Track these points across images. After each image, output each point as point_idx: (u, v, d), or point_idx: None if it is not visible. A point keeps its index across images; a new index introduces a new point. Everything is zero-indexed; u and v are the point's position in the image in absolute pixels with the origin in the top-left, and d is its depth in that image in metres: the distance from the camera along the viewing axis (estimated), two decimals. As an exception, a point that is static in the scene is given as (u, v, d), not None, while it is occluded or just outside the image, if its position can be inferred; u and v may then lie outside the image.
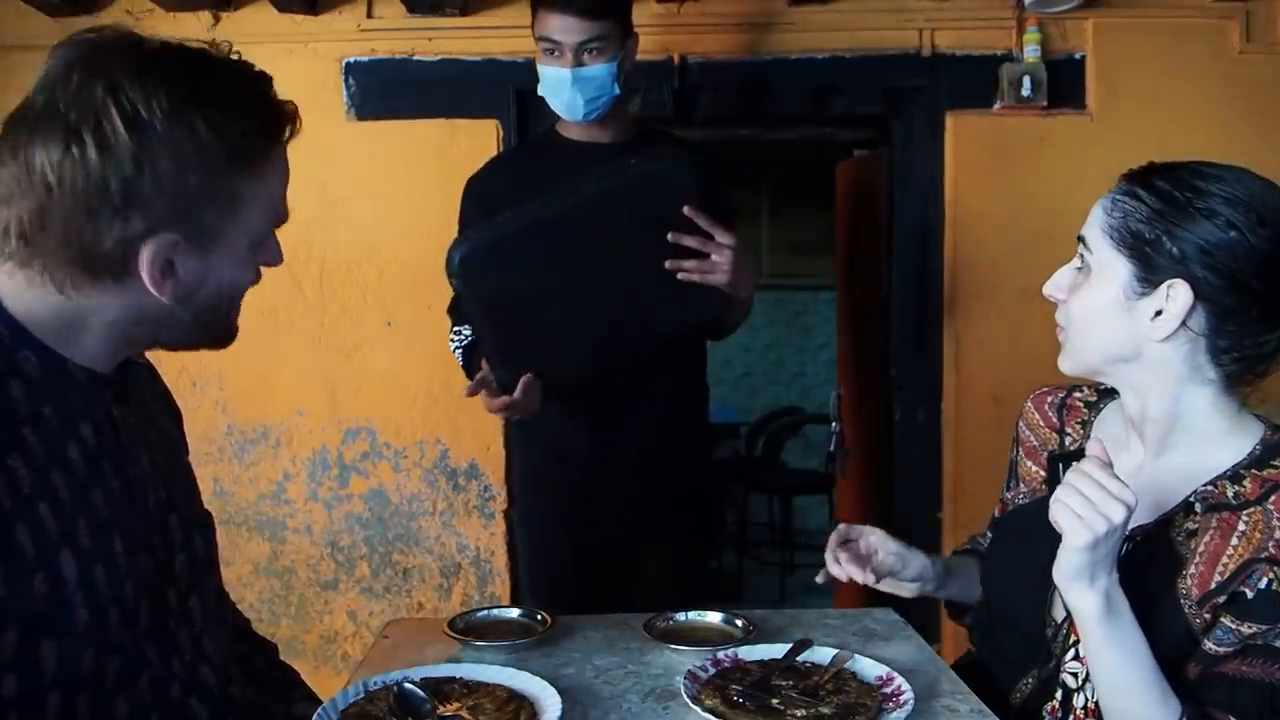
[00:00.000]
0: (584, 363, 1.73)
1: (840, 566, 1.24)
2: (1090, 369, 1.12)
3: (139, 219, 0.83)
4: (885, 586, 1.29)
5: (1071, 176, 2.35)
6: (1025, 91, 2.37)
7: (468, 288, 1.68)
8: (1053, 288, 1.13)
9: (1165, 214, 1.02)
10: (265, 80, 0.92)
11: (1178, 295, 1.01)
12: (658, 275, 1.67)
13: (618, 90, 1.83)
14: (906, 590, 1.28)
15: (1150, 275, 1.03)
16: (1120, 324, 1.06)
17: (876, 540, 1.27)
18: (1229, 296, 1.01)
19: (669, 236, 1.65)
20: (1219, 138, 2.36)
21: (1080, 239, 1.10)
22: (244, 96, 0.89)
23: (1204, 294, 1.01)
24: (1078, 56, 2.43)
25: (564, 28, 1.76)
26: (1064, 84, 2.41)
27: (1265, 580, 0.95)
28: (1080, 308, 1.09)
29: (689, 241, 1.66)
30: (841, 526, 1.28)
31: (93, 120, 0.80)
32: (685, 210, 1.65)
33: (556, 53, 1.79)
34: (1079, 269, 1.10)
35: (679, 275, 1.66)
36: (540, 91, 1.85)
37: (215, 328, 0.96)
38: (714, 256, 1.66)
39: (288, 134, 0.93)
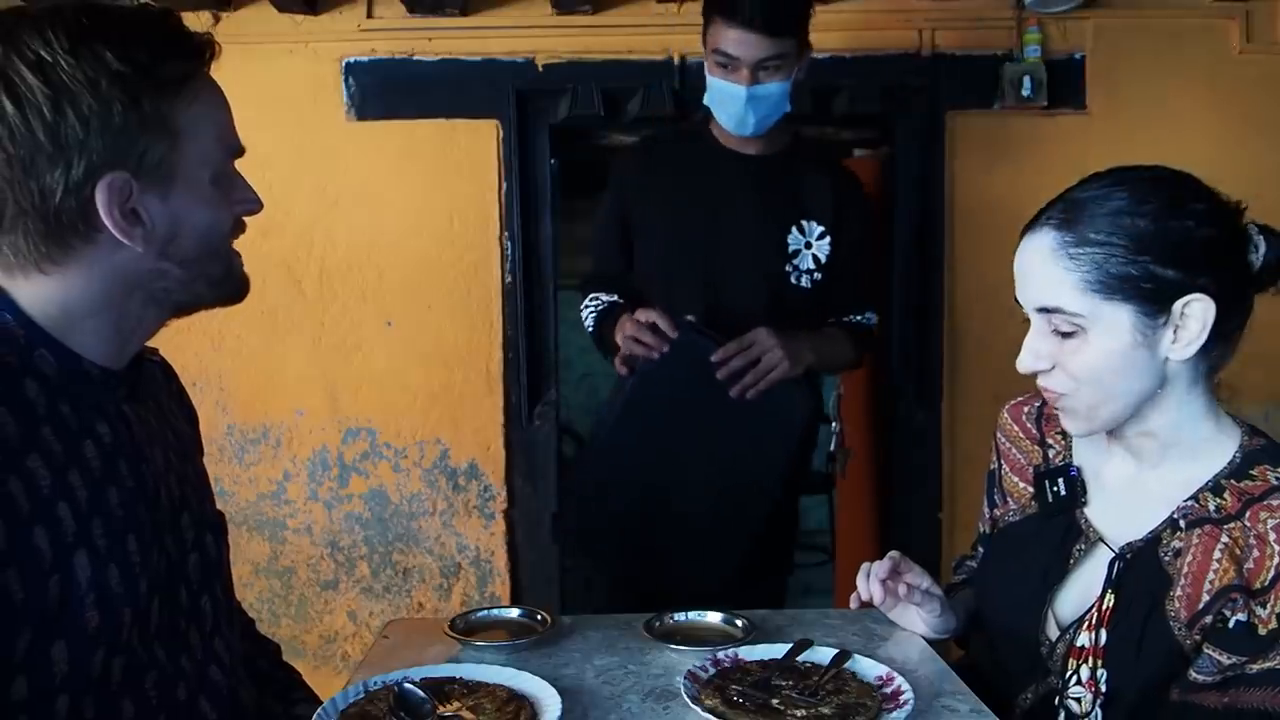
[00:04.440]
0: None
1: (867, 583, 1.24)
2: (1115, 420, 1.07)
3: (78, 162, 0.82)
4: (899, 618, 1.28)
5: (1071, 176, 2.33)
6: (1025, 91, 2.37)
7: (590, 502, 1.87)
8: (1034, 361, 1.06)
9: (1135, 242, 0.99)
10: (169, 12, 0.90)
11: (1196, 311, 0.99)
12: (739, 421, 1.71)
13: (789, 107, 1.81)
14: (922, 628, 1.27)
15: (1157, 306, 1.00)
16: (1143, 364, 1.02)
17: (922, 582, 1.25)
18: (1229, 286, 1.00)
19: (719, 375, 1.69)
20: (1219, 137, 2.36)
21: (1049, 309, 1.03)
22: (146, 22, 0.87)
23: (1217, 296, 0.99)
24: (1078, 56, 2.43)
25: (743, 43, 1.71)
26: (1064, 84, 2.41)
27: (1242, 614, 0.96)
28: (1087, 368, 1.03)
29: (735, 364, 1.69)
30: (896, 554, 1.25)
31: (1, 79, 0.81)
32: (714, 358, 1.69)
33: (731, 68, 1.74)
34: (1065, 334, 1.03)
35: (748, 395, 1.69)
36: (707, 101, 1.83)
37: (217, 279, 0.95)
38: (763, 357, 1.69)
39: (207, 56, 0.91)
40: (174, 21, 0.89)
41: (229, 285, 0.97)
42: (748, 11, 1.68)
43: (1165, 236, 0.99)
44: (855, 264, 1.93)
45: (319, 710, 0.99)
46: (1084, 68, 2.42)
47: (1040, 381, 1.07)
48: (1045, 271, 1.03)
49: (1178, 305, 0.99)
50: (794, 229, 1.87)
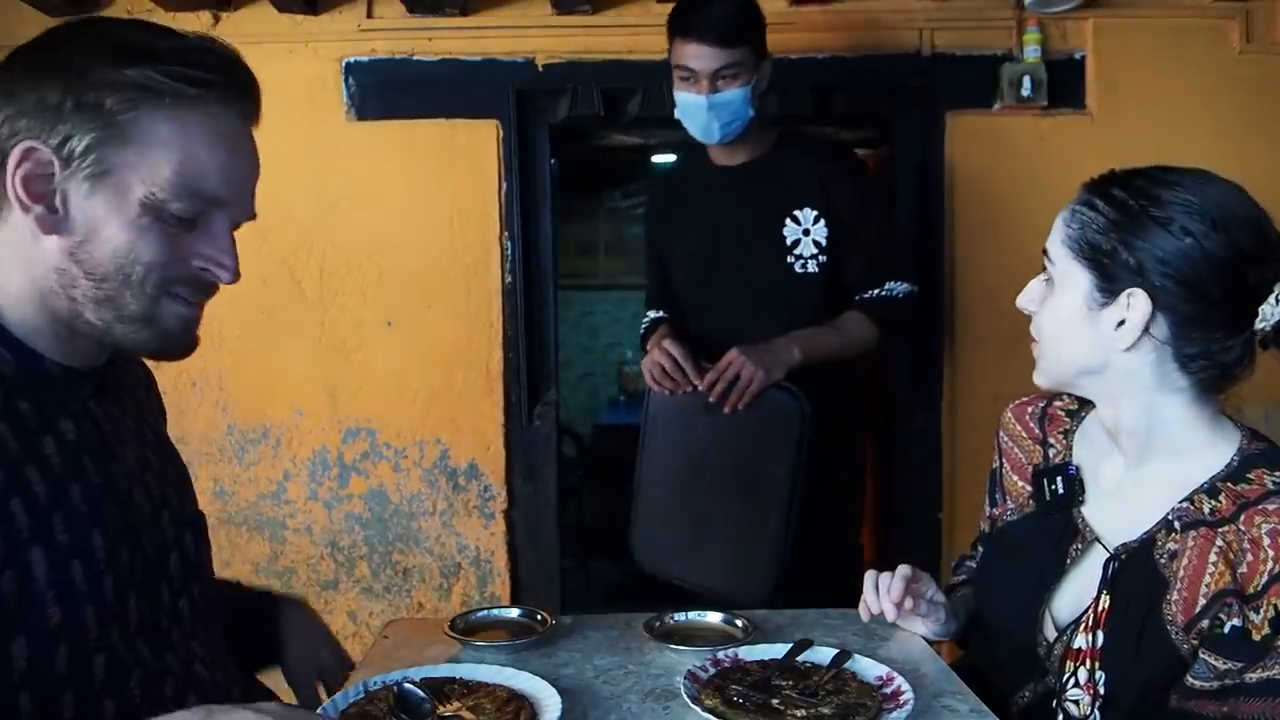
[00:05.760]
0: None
1: (878, 598, 1.23)
2: (1061, 382, 1.13)
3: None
4: (903, 622, 1.27)
5: (1071, 176, 2.32)
6: (1025, 91, 2.37)
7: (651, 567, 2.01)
8: (1025, 299, 1.13)
9: (1121, 224, 1.02)
10: (229, 53, 0.90)
11: (1136, 304, 1.01)
12: (743, 438, 1.85)
13: (751, 113, 1.92)
14: (923, 630, 1.27)
15: (1109, 285, 1.03)
16: (1086, 335, 1.06)
17: (928, 591, 1.25)
18: (1188, 304, 1.00)
19: (710, 399, 1.82)
20: (1219, 138, 2.36)
21: (1044, 251, 1.10)
22: (194, 44, 0.88)
23: (1162, 302, 1.01)
24: (1078, 56, 2.43)
25: (699, 55, 1.86)
26: (1064, 84, 2.40)
27: (1238, 619, 0.96)
28: (1048, 319, 1.10)
29: (719, 388, 1.82)
30: (907, 570, 1.24)
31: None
32: (700, 388, 1.84)
33: (692, 80, 1.89)
34: (1046, 281, 1.11)
35: (740, 406, 1.82)
36: (677, 115, 1.96)
37: (130, 316, 0.87)
38: (740, 375, 1.81)
39: (216, 80, 0.87)
40: (225, 54, 0.89)
41: (148, 334, 0.88)
42: (701, 28, 1.84)
43: (1150, 228, 1.01)
44: (860, 236, 1.98)
45: (319, 710, 0.99)
46: (1084, 68, 2.42)
47: (1031, 326, 1.14)
48: (1059, 220, 1.09)
49: (1124, 294, 1.02)
50: (788, 221, 1.98)
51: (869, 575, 1.26)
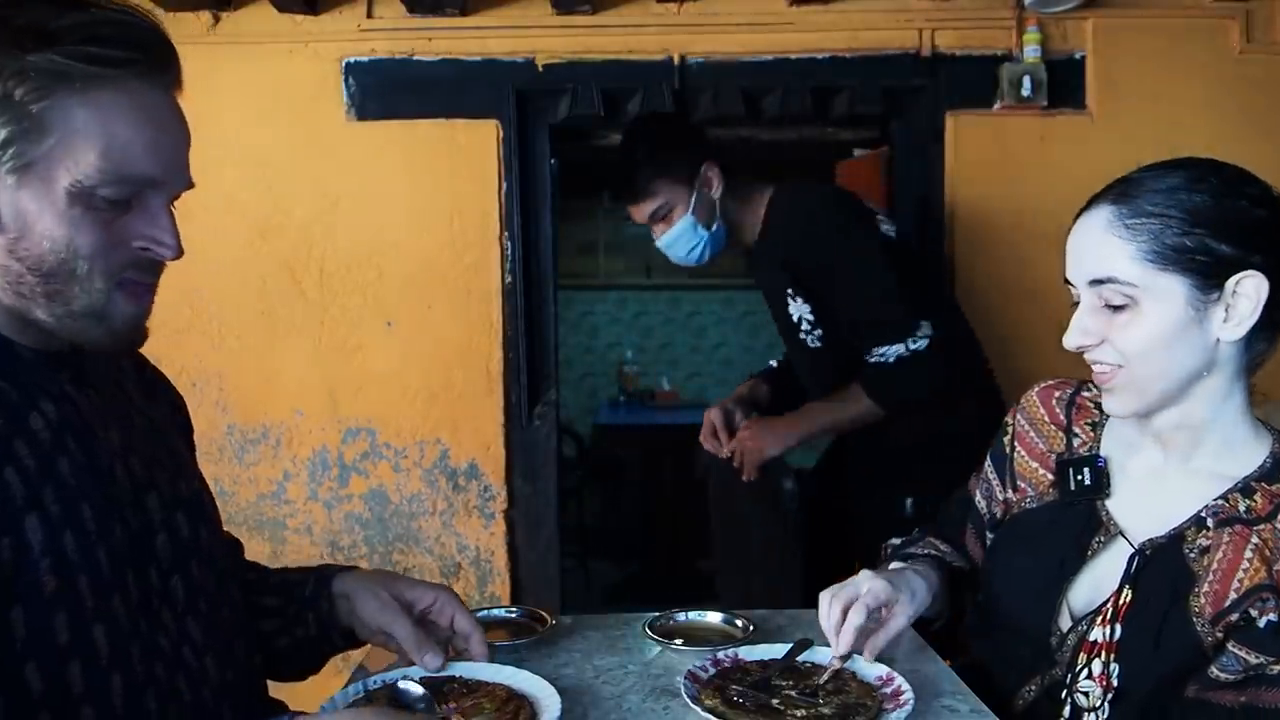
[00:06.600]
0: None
1: (839, 637, 1.10)
2: (1164, 398, 1.06)
3: None
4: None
5: (1071, 176, 2.35)
6: (1025, 91, 2.37)
7: None
8: (1083, 337, 1.06)
9: (1193, 218, 1.00)
10: (138, 18, 0.84)
11: (1248, 289, 0.99)
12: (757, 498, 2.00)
13: (707, 232, 1.95)
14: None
15: (1210, 280, 1.00)
16: (1193, 340, 1.02)
17: (897, 619, 1.14)
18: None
19: (735, 464, 1.93)
20: (1219, 138, 2.35)
21: (1101, 280, 1.03)
22: (102, 14, 0.82)
23: (1271, 276, 0.99)
24: (1078, 56, 2.43)
25: (631, 213, 1.95)
26: (1064, 84, 2.41)
27: (1273, 614, 0.96)
28: (1139, 341, 1.03)
29: (738, 455, 1.93)
30: (860, 614, 1.09)
31: None
32: (726, 452, 1.94)
33: (647, 225, 1.97)
34: (1116, 308, 1.03)
35: (751, 476, 1.92)
36: None
37: (79, 311, 0.85)
38: (743, 443, 1.91)
39: (146, 68, 0.83)
40: (141, 26, 0.83)
41: (98, 331, 0.87)
42: (616, 192, 1.98)
43: (1221, 213, 1.00)
44: (837, 307, 1.90)
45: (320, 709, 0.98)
46: (1084, 68, 2.43)
47: (1089, 357, 1.07)
48: (1100, 244, 1.04)
49: (1230, 282, 1.00)
50: (789, 301, 1.98)
51: (823, 600, 1.13)
